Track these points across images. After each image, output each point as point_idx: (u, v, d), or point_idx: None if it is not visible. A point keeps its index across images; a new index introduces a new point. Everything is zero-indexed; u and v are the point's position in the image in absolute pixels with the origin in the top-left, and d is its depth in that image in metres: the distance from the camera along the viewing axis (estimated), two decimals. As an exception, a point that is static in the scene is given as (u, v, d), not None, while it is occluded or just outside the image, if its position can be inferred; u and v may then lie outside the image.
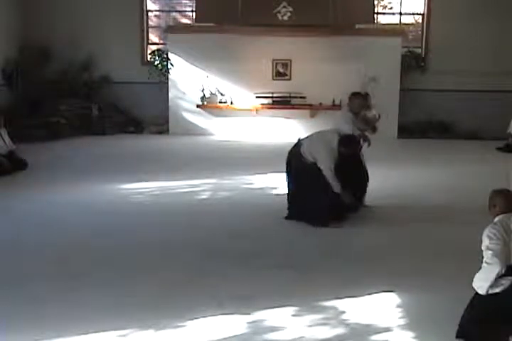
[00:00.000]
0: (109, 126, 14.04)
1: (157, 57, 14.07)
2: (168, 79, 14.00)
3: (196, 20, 13.96)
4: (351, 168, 7.06)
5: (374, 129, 7.83)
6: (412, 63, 14.20)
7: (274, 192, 8.51)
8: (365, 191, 7.55)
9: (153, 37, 15.28)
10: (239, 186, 8.92)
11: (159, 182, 8.96)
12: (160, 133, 14.17)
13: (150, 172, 9.67)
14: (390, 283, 5.07)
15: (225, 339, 4.12)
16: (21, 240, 6.28)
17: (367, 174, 7.59)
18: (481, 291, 3.65)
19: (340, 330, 4.26)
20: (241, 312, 4.51)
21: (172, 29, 14.19)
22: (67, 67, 14.05)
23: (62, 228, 6.72)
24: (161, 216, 7.25)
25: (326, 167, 6.68)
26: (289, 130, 13.80)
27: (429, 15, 14.53)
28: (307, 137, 7.13)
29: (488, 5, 13.94)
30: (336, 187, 6.76)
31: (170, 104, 14.06)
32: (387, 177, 9.27)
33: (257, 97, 13.77)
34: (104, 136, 13.60)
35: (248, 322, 4.35)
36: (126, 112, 14.55)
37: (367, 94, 8.14)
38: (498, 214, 3.76)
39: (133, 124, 14.46)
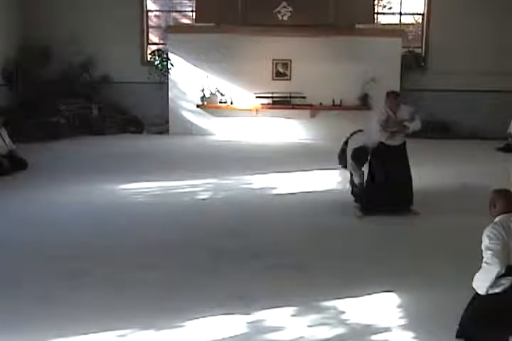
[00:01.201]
0: (109, 126, 14.04)
1: (157, 57, 14.06)
2: (168, 79, 14.00)
3: (196, 20, 13.95)
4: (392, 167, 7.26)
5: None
6: (412, 63, 14.19)
7: (274, 192, 8.51)
8: (406, 193, 7.40)
9: (153, 37, 15.29)
10: (239, 186, 8.92)
11: (159, 182, 8.96)
12: (160, 133, 14.17)
13: (150, 172, 9.67)
14: (390, 283, 5.08)
15: (225, 339, 4.12)
16: (21, 240, 6.28)
17: (407, 175, 7.48)
18: (481, 291, 3.65)
19: (340, 330, 4.26)
20: (241, 312, 4.51)
21: (172, 29, 14.18)
22: (67, 67, 14.05)
23: (62, 228, 6.72)
24: (161, 216, 7.26)
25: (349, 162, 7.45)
26: (289, 130, 13.82)
27: (429, 15, 14.52)
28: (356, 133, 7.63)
29: (488, 5, 13.93)
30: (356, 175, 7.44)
31: (170, 104, 14.05)
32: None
33: (257, 97, 13.76)
34: (104, 136, 13.59)
35: (248, 322, 4.36)
36: (126, 112, 14.55)
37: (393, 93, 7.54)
38: (498, 215, 3.76)
39: (133, 124, 14.45)
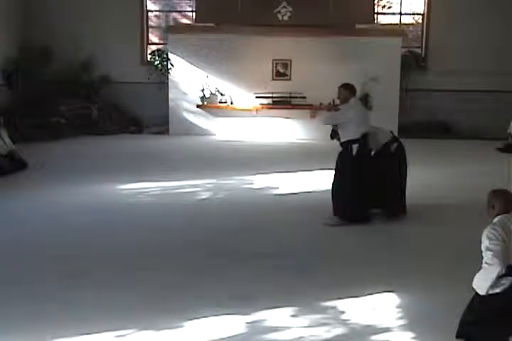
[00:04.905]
0: (109, 126, 14.04)
1: (157, 57, 14.06)
2: (168, 79, 14.00)
3: (196, 20, 13.97)
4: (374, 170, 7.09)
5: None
6: (412, 63, 14.19)
7: (275, 192, 8.51)
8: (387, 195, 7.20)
9: (153, 37, 15.29)
10: (239, 186, 8.92)
11: (159, 182, 8.96)
12: (160, 133, 14.16)
13: (150, 172, 9.67)
14: (390, 283, 5.08)
15: (224, 339, 4.12)
16: (21, 240, 6.29)
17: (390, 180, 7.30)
18: (481, 291, 3.65)
19: (340, 330, 4.26)
20: (241, 312, 4.51)
21: (172, 29, 14.18)
22: (68, 67, 14.05)
23: (62, 228, 6.72)
24: (161, 216, 7.26)
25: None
26: (289, 130, 13.81)
27: (429, 15, 14.52)
28: None
29: (488, 5, 13.93)
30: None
31: (170, 104, 14.04)
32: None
33: (257, 97, 13.75)
34: (104, 136, 13.58)
35: (248, 322, 4.35)
36: (126, 112, 14.55)
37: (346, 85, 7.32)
38: (496, 215, 3.75)
39: (133, 124, 14.45)
